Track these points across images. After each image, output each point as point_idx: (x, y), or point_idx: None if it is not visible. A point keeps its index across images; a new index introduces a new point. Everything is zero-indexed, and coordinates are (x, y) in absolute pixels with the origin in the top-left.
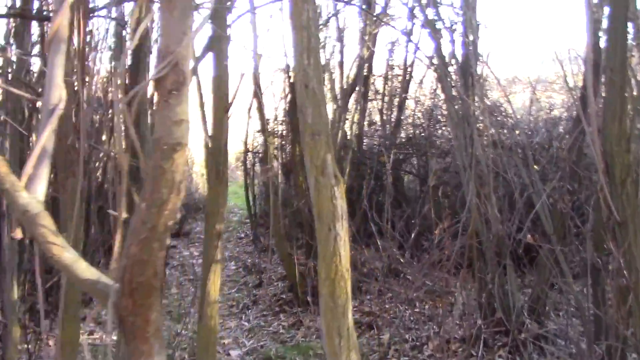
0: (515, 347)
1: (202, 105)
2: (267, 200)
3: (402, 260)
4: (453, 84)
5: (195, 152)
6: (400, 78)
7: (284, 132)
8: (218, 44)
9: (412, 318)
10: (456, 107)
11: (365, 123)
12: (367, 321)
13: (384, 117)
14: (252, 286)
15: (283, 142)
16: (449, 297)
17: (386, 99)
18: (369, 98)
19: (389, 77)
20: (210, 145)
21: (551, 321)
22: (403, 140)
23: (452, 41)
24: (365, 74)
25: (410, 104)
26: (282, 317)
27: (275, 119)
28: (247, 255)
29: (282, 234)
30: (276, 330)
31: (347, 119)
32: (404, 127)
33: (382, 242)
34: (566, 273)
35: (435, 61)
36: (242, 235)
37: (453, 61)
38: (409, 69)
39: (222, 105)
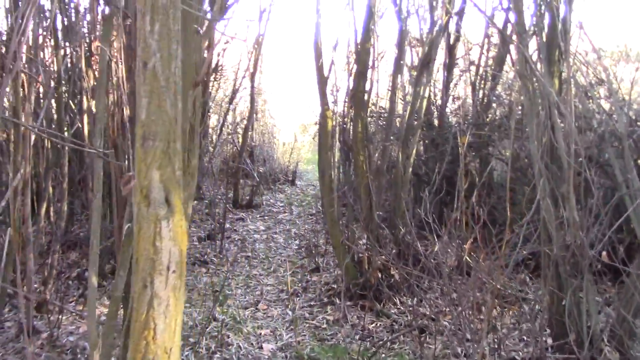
0: None
1: None
2: (346, 172)
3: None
4: (531, 59)
5: (278, 123)
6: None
7: (345, 107)
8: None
9: (472, 326)
10: (534, 84)
11: (450, 97)
12: (420, 325)
13: (477, 92)
14: (308, 270)
15: (345, 119)
16: (520, 307)
17: (477, 71)
18: (456, 70)
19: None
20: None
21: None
22: (493, 119)
23: (537, 6)
24: (451, 43)
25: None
26: (329, 309)
27: (336, 92)
28: (314, 235)
29: (335, 218)
30: (319, 325)
31: (421, 93)
32: (494, 106)
33: (452, 233)
34: None
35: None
36: (314, 211)
37: (536, 31)
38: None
39: (190, 78)
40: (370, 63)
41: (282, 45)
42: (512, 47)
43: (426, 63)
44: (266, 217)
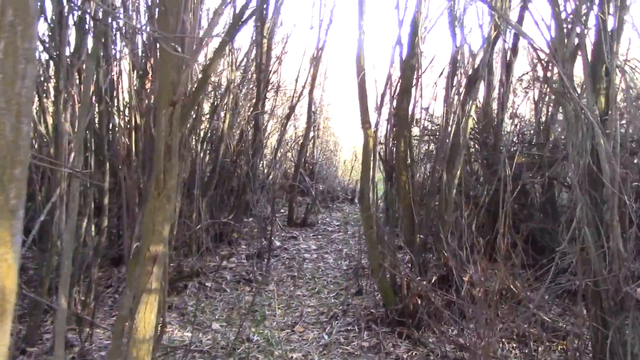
0: None
1: None
2: (388, 193)
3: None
4: (567, 76)
5: (341, 140)
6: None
7: (387, 126)
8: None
9: None
10: (576, 105)
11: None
12: (459, 357)
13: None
14: (351, 293)
15: (387, 138)
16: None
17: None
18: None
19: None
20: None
21: None
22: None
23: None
24: (507, 58)
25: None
26: (366, 335)
27: (380, 107)
28: (364, 255)
29: (374, 240)
30: (353, 352)
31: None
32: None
33: (502, 259)
34: None
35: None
36: None
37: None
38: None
39: (167, 97)
40: (414, 80)
41: (348, 58)
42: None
43: (474, 80)
44: (319, 237)
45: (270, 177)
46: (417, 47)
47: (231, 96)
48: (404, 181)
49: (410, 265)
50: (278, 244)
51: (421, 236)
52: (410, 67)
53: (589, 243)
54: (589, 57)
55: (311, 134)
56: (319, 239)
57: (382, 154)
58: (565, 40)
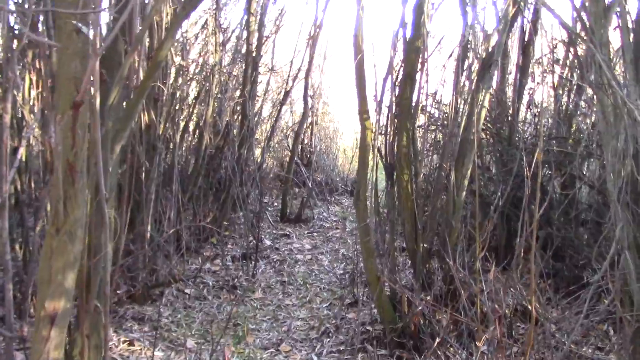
0: None
1: None
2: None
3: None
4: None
5: (341, 127)
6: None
7: (388, 117)
8: None
9: None
10: (618, 100)
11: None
12: None
13: (559, 99)
14: (345, 304)
15: (387, 130)
16: None
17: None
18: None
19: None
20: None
21: None
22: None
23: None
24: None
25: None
26: (360, 358)
27: (379, 100)
28: (361, 259)
29: (370, 248)
30: None
31: (480, 101)
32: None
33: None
34: None
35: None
36: None
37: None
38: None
39: (67, 96)
40: (420, 65)
41: (349, 37)
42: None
43: (487, 65)
44: (315, 234)
45: (262, 167)
46: (423, 26)
47: (215, 81)
48: (405, 180)
49: (412, 277)
50: (268, 243)
51: (425, 244)
52: (414, 49)
53: (630, 270)
54: (631, 39)
55: (309, 120)
56: (314, 237)
57: (382, 148)
58: (602, 20)
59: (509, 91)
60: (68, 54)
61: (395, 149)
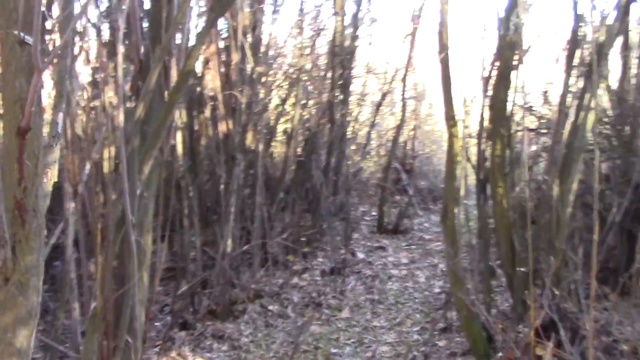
0: None
1: None
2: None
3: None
4: None
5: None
6: None
7: (481, 124)
8: None
9: None
10: None
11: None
12: None
13: None
14: (437, 329)
15: (479, 138)
16: None
17: None
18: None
19: None
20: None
21: None
22: None
23: None
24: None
25: None
26: None
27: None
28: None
29: (459, 271)
30: None
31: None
32: None
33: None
34: None
35: None
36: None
37: None
38: None
39: (12, 121)
40: (516, 62)
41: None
42: None
43: (598, 60)
44: (413, 247)
45: (358, 174)
46: (519, 18)
47: (301, 84)
48: (500, 195)
49: (508, 304)
50: (361, 256)
51: (523, 268)
52: (510, 44)
53: None
54: None
55: (413, 123)
56: (412, 250)
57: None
58: None
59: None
60: (11, 70)
61: (488, 158)
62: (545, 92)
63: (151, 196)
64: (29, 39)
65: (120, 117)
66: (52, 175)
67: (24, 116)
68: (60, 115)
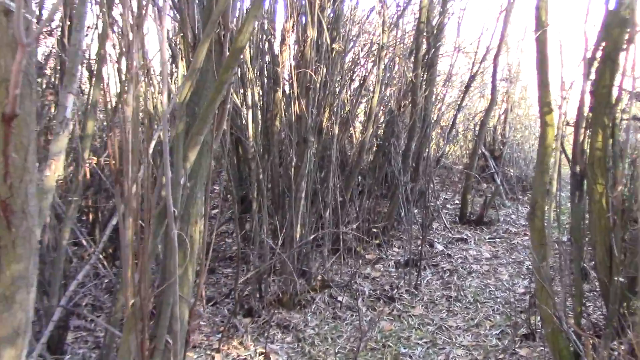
0: None
1: None
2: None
3: None
4: None
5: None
6: None
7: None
8: None
9: None
10: None
11: None
12: None
13: None
14: (519, 335)
15: (577, 127)
16: None
17: None
18: None
19: None
20: None
21: None
22: None
23: None
24: None
25: None
26: None
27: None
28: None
29: (546, 277)
30: None
31: None
32: None
33: None
34: None
35: None
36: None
37: None
38: None
39: None
40: (625, 43)
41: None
42: None
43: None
44: (497, 240)
45: (441, 160)
46: None
47: (381, 64)
48: (599, 193)
49: (603, 317)
50: (440, 248)
51: (621, 279)
52: (619, 22)
53: None
54: None
55: (504, 107)
56: (496, 244)
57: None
58: None
59: None
60: None
61: (586, 151)
62: None
63: (200, 184)
64: (13, 7)
65: (164, 99)
66: (56, 168)
67: (9, 98)
68: (70, 98)
